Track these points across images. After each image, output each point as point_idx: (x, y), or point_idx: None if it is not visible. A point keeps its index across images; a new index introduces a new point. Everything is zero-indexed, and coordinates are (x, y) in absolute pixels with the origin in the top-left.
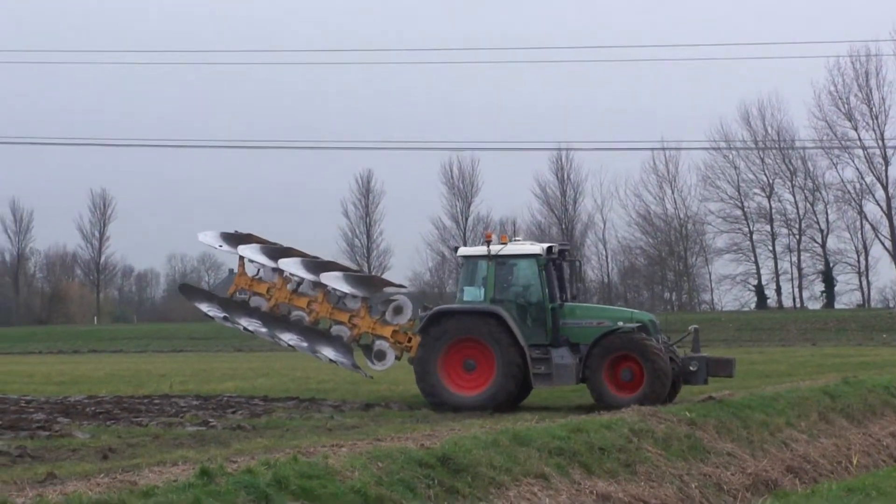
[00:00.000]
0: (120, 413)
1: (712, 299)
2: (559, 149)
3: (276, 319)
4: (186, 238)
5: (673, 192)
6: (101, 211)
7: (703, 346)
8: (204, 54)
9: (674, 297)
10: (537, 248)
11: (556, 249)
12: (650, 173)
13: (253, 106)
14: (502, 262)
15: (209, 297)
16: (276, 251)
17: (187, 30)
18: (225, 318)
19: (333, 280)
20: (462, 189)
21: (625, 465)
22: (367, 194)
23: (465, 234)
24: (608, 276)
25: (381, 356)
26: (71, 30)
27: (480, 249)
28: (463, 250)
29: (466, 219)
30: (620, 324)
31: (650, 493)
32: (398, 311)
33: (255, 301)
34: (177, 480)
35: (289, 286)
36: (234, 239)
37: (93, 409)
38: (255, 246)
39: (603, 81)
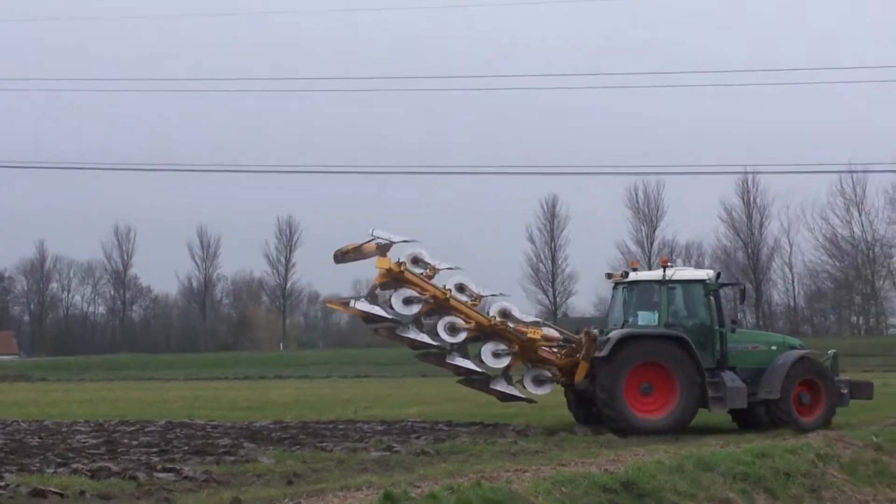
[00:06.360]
0: (305, 438)
1: None
2: (745, 172)
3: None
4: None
5: (860, 216)
6: (288, 237)
7: (893, 370)
8: (408, 80)
9: (861, 322)
10: (704, 273)
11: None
12: (837, 196)
13: (438, 131)
14: (673, 286)
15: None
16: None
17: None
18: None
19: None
20: (647, 213)
21: (810, 490)
22: (551, 219)
23: (650, 258)
24: (794, 300)
25: (540, 382)
26: (256, 62)
27: (654, 274)
28: (634, 275)
29: (651, 243)
30: (773, 348)
31: None
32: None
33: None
34: None
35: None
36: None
37: (278, 434)
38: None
39: (788, 103)
